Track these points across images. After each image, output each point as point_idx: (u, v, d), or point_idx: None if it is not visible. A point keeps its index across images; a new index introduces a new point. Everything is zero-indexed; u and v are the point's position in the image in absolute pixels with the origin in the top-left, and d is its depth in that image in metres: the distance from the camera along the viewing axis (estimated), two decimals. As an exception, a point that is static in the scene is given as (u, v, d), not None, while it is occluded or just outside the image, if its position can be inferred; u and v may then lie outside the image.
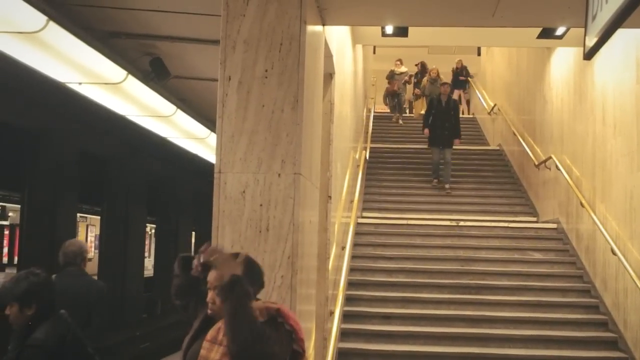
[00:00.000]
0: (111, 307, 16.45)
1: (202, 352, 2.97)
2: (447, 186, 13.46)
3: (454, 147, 13.73)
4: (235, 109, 4.47)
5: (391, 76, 20.22)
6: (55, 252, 12.26)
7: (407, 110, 21.80)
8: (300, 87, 4.49)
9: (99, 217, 20.09)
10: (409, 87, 21.78)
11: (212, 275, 3.10)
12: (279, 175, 4.36)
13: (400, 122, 19.32)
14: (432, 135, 13.76)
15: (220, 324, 3.00)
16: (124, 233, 17.18)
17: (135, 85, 9.36)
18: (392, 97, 20.01)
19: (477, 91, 20.45)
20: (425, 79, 19.29)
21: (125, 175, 16.34)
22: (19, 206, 15.52)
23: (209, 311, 3.11)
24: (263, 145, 4.40)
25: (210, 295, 3.09)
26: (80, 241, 6.74)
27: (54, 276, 5.83)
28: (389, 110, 20.44)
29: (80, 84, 8.90)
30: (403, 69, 20.68)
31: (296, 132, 4.42)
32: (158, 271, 21.43)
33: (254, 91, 4.48)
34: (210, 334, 3.00)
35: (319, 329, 6.44)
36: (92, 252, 31.95)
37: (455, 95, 17.82)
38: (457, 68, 20.82)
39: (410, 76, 21.00)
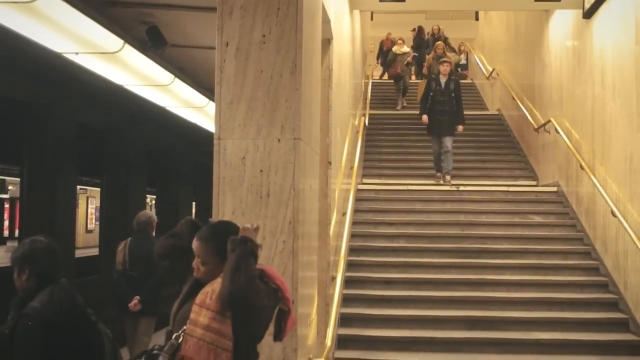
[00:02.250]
0: (113, 278, 16.55)
1: (192, 315, 3.06)
2: (447, 177, 12.08)
3: (456, 133, 12.39)
4: (233, 75, 4.44)
5: (393, 58, 18.36)
6: (55, 225, 12.35)
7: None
8: (298, 52, 4.45)
9: (99, 189, 20.11)
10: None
11: (195, 245, 3.25)
12: (279, 140, 4.34)
13: (405, 104, 17.62)
14: (431, 122, 12.32)
15: (208, 289, 3.09)
16: (124, 204, 17.16)
17: (132, 55, 9.33)
18: (396, 80, 18.19)
19: (475, 56, 20.35)
20: (430, 56, 16.96)
21: (125, 146, 16.30)
22: (19, 179, 15.53)
23: (195, 274, 3.24)
24: (262, 111, 4.38)
25: (195, 261, 3.23)
26: (150, 212, 8.51)
27: (129, 239, 8.07)
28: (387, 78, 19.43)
29: (77, 53, 8.87)
30: (405, 49, 18.65)
31: (295, 97, 4.40)
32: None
33: (252, 57, 4.45)
34: (200, 297, 3.07)
35: (321, 295, 6.47)
36: (93, 224, 32.11)
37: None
38: (433, 34, 19.70)
39: (413, 57, 18.99)
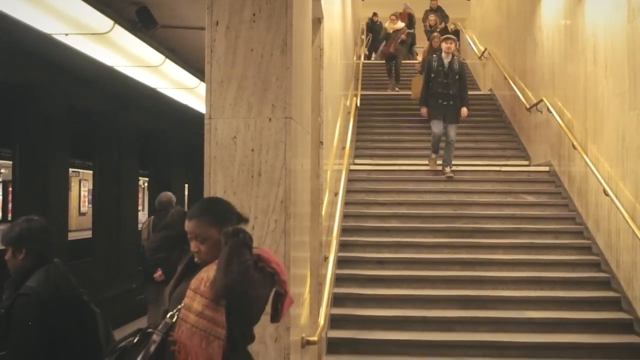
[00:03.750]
0: (106, 260, 16.57)
1: (186, 300, 3.03)
2: (447, 169, 11.01)
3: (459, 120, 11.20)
4: (223, 54, 4.41)
5: (386, 36, 17.18)
6: (48, 208, 12.34)
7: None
8: (289, 31, 4.42)
9: (91, 172, 20.08)
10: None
11: (188, 225, 3.17)
12: (270, 119, 4.32)
13: (397, 89, 16.41)
14: (432, 106, 11.04)
15: (203, 274, 3.05)
16: (117, 187, 17.15)
17: (122, 35, 9.29)
18: (388, 60, 16.90)
19: (466, 36, 20.29)
20: (424, 50, 15.34)
21: (117, 128, 16.27)
22: (11, 162, 15.48)
23: (196, 260, 3.16)
24: (253, 90, 4.36)
25: (194, 244, 3.15)
26: (169, 193, 9.29)
27: (152, 217, 9.24)
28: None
29: (66, 34, 8.82)
30: (399, 24, 17.28)
31: (286, 76, 4.37)
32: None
33: (242, 36, 4.42)
34: (194, 283, 3.04)
35: (314, 275, 6.46)
36: (86, 207, 32.09)
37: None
38: (430, 27, 18.00)
39: (408, 33, 17.43)
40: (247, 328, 3.13)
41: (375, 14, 21.22)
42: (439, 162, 11.24)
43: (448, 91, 10.91)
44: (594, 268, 8.76)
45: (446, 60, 11.06)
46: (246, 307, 3.01)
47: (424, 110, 11.15)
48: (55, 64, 11.25)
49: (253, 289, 2.91)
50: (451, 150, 10.96)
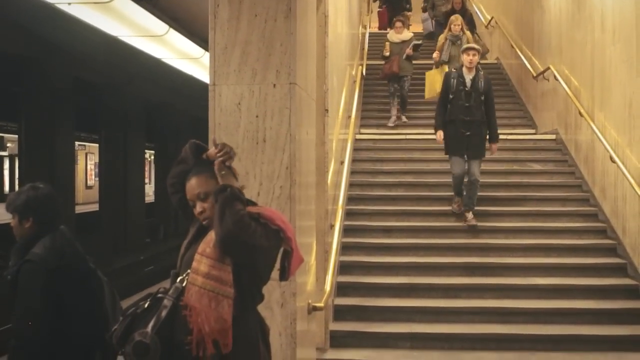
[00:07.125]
0: (114, 233, 16.65)
1: (194, 264, 3.03)
2: (470, 215, 8.78)
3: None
4: (227, 19, 4.39)
5: (386, 56, 12.81)
6: (54, 181, 12.37)
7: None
8: (292, -4, 4.40)
9: (97, 145, 20.10)
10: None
11: (190, 185, 3.14)
12: (274, 85, 4.31)
13: (404, 119, 12.83)
14: (451, 137, 8.80)
15: (209, 237, 3.05)
16: (123, 160, 17.17)
17: (125, 4, 9.25)
18: (392, 82, 12.77)
19: (473, 5, 20.12)
20: (442, 36, 11.96)
21: (122, 100, 16.24)
22: (17, 136, 15.49)
23: (205, 222, 3.13)
24: (257, 56, 4.34)
25: (199, 205, 3.12)
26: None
27: None
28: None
29: (69, 4, 8.78)
30: (406, 34, 13.10)
31: (290, 42, 4.35)
32: (159, 197, 21.57)
33: (245, 1, 4.39)
34: (201, 246, 3.05)
35: (320, 243, 6.49)
36: (93, 180, 32.16)
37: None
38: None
39: (416, 45, 12.86)
40: (257, 287, 3.13)
41: None
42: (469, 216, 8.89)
43: (471, 118, 8.66)
44: (600, 235, 8.75)
45: (468, 77, 8.74)
46: (250, 260, 3.01)
47: (439, 135, 8.91)
48: (58, 34, 11.20)
49: (253, 238, 2.91)
50: (475, 191, 8.79)
